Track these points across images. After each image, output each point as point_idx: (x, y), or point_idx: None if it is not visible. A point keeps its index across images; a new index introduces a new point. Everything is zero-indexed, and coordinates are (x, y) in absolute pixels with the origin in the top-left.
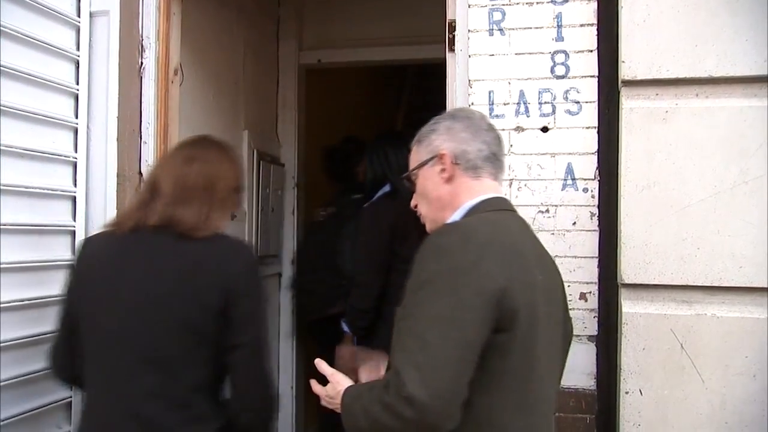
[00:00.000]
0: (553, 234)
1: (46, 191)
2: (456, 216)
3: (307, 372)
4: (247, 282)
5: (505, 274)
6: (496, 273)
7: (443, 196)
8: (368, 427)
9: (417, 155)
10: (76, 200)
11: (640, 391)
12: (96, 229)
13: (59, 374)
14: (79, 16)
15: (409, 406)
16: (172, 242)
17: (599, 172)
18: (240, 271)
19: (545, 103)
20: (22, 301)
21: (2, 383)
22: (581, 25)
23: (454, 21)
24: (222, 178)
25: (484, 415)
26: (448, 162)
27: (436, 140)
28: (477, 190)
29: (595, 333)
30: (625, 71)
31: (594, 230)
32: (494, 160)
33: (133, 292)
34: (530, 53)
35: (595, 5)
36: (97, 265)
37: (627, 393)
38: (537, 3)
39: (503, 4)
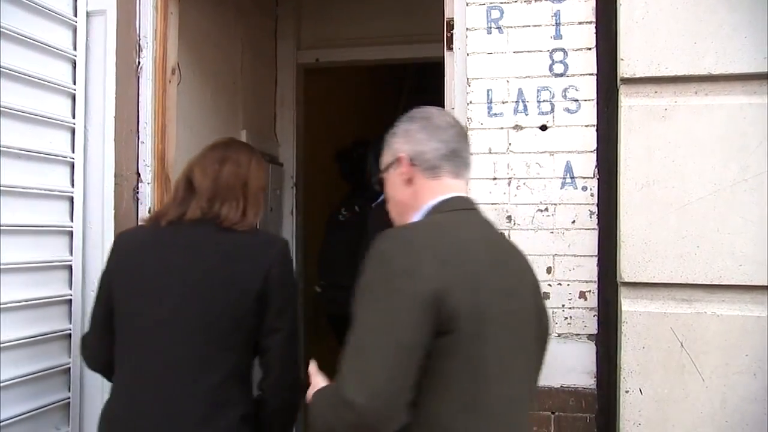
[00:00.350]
0: (552, 233)
1: (43, 191)
2: (417, 217)
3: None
4: (284, 268)
5: (444, 277)
6: (434, 276)
7: (405, 198)
8: (324, 428)
9: (384, 160)
10: (74, 200)
11: (640, 390)
12: (94, 229)
13: (91, 363)
14: (75, 16)
15: (349, 410)
16: (212, 233)
17: (598, 170)
18: (278, 258)
19: (544, 101)
20: (20, 302)
21: (0, 384)
22: (580, 23)
23: (452, 19)
24: (253, 177)
25: (432, 418)
26: (405, 164)
27: (396, 144)
28: (437, 191)
29: (595, 332)
30: (624, 69)
31: (593, 229)
32: (454, 157)
33: (175, 279)
34: (529, 51)
35: (593, 3)
36: (137, 254)
37: (627, 392)
38: (535, 1)
39: (501, 2)
